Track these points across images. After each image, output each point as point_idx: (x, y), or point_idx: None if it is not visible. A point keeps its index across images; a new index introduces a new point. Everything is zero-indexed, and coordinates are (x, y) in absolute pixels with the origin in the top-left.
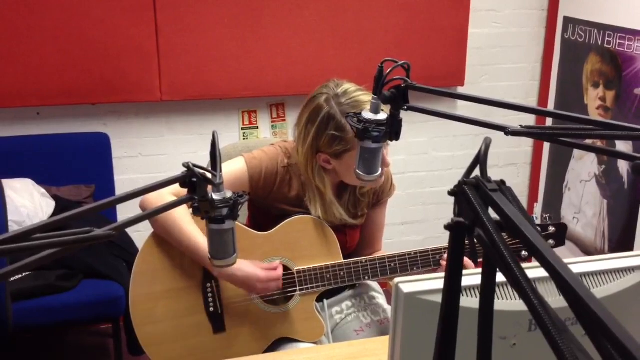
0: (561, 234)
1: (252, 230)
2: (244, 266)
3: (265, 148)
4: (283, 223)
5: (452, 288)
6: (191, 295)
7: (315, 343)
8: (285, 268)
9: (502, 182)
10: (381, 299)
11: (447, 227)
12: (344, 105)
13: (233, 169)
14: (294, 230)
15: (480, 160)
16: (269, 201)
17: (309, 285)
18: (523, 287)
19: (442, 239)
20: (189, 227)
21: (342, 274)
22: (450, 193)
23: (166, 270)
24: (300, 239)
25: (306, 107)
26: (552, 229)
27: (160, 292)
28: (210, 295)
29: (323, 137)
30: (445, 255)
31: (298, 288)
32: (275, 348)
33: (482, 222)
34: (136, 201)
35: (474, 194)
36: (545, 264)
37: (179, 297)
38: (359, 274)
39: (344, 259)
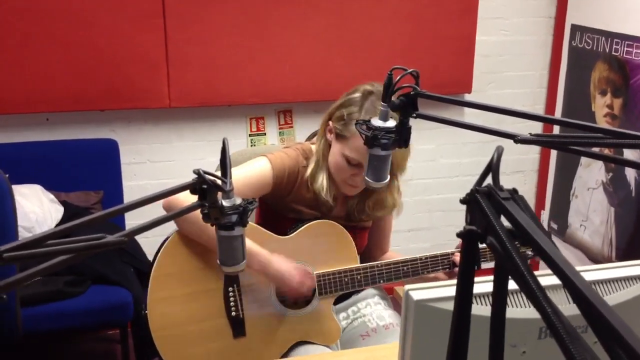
0: None
1: (273, 234)
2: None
3: (285, 149)
4: (302, 228)
5: (464, 296)
6: (212, 299)
7: (328, 346)
8: None
9: (515, 191)
10: (387, 304)
11: (459, 235)
12: (370, 106)
13: (257, 168)
14: (313, 234)
15: (493, 168)
16: (286, 201)
17: (327, 289)
18: (536, 295)
19: (449, 246)
20: None
21: (359, 277)
22: (463, 201)
23: (186, 274)
24: (318, 244)
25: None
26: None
27: (180, 296)
28: (232, 299)
29: (340, 110)
30: (457, 258)
31: (317, 292)
32: (288, 351)
33: (495, 230)
34: (144, 208)
35: (486, 202)
36: (559, 272)
37: (199, 301)
38: (374, 277)
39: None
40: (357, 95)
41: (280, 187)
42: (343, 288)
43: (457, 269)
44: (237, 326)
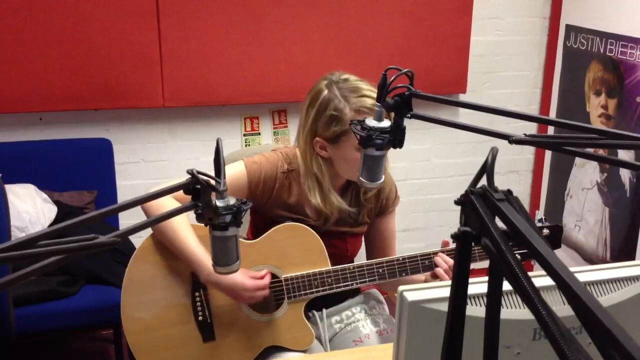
0: (556, 237)
1: (239, 239)
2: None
3: (266, 153)
4: (270, 231)
5: (459, 297)
6: (181, 304)
7: (304, 351)
8: (274, 276)
9: (509, 192)
10: (382, 309)
11: (453, 237)
12: (343, 89)
13: (232, 172)
14: (281, 237)
15: (487, 169)
16: (268, 207)
17: (297, 293)
18: (531, 297)
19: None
20: (184, 231)
21: (329, 280)
22: (457, 202)
23: (156, 280)
24: (287, 247)
25: (308, 94)
26: (546, 231)
27: (151, 301)
28: (199, 304)
29: (322, 118)
30: (437, 258)
31: (286, 296)
32: (265, 356)
33: (489, 232)
34: (138, 208)
35: (480, 203)
36: (553, 273)
37: (169, 306)
38: (346, 280)
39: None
40: (324, 93)
41: (256, 192)
42: (313, 291)
43: (437, 269)
44: (206, 331)
